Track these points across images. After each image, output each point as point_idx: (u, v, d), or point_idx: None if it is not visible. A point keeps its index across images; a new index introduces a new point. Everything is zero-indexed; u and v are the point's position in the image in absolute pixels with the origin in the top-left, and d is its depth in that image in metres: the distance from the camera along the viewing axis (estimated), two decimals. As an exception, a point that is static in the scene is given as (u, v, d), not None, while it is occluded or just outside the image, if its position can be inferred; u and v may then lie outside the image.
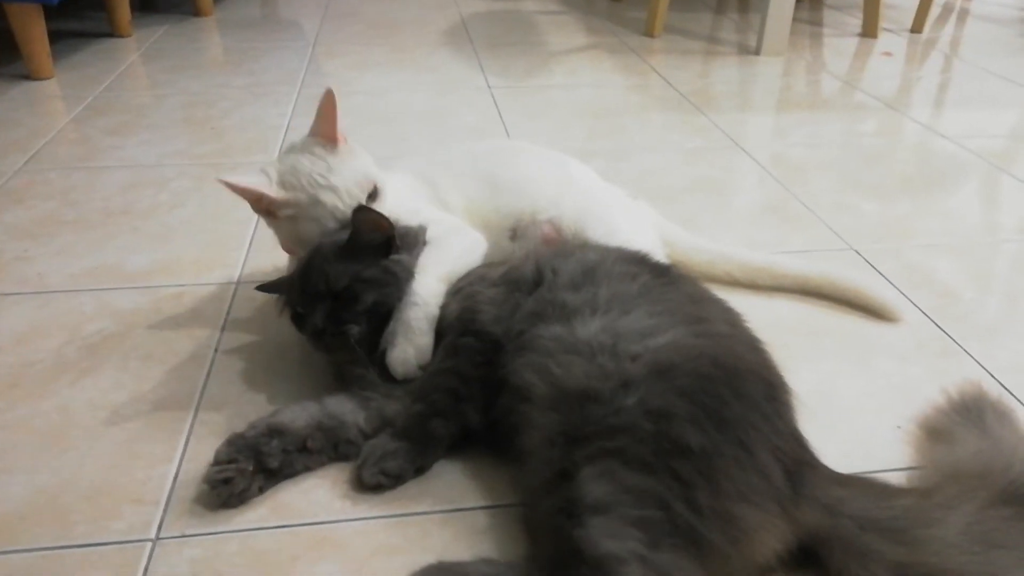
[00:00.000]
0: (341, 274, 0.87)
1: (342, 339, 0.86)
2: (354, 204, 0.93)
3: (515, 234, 1.07)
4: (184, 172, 1.53)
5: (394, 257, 0.90)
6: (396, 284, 0.88)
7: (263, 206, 0.96)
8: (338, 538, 0.74)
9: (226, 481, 0.76)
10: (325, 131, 0.97)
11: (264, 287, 0.98)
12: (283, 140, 1.66)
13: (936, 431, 0.85)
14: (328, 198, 0.94)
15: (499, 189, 1.08)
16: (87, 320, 1.07)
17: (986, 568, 0.63)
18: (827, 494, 0.69)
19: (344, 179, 0.95)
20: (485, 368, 0.82)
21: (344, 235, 0.90)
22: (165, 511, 0.77)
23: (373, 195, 0.97)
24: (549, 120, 1.84)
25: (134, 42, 2.42)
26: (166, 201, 1.42)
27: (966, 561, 0.63)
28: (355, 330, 0.86)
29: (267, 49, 2.36)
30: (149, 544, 0.73)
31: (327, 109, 0.96)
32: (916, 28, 2.66)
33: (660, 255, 1.04)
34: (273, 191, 0.94)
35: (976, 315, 1.11)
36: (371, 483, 0.78)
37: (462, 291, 0.91)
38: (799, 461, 0.70)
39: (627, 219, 1.10)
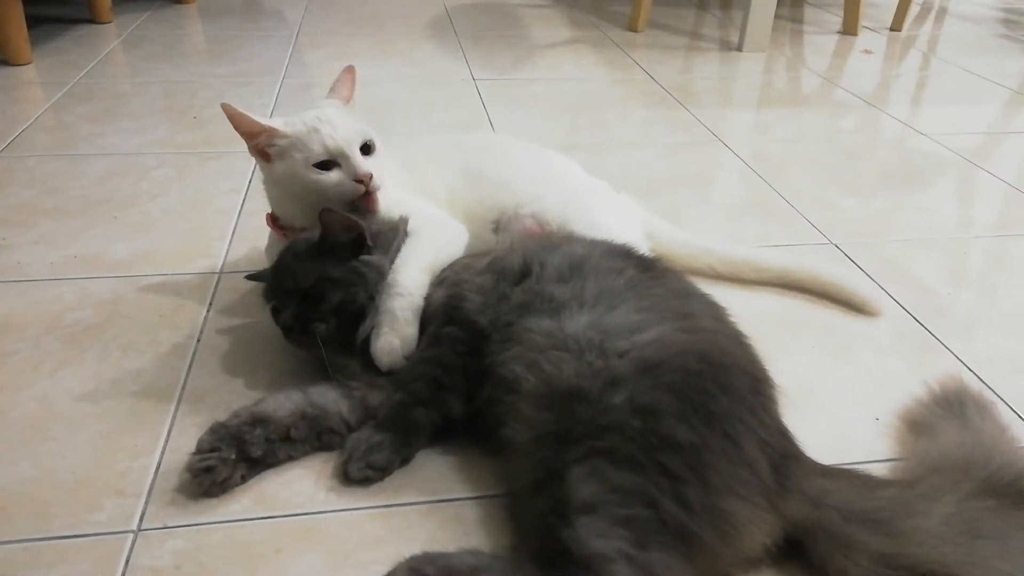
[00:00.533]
0: (309, 273, 0.88)
1: (311, 336, 0.87)
2: (351, 138, 0.96)
3: (498, 227, 1.07)
4: (165, 161, 1.52)
5: (364, 257, 0.90)
6: (364, 284, 0.88)
7: (260, 142, 0.98)
8: (322, 529, 0.74)
9: (208, 470, 0.76)
10: (340, 92, 1.05)
11: (253, 276, 0.99)
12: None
13: (918, 424, 0.87)
14: (325, 128, 0.96)
15: (483, 181, 1.08)
16: (67, 309, 1.06)
17: (968, 558, 0.64)
18: (812, 486, 0.70)
19: (344, 122, 0.98)
20: (468, 358, 0.82)
21: (316, 234, 0.90)
22: (147, 502, 0.77)
23: (367, 148, 0.99)
24: (533, 113, 1.84)
25: (114, 28, 2.38)
26: (147, 190, 1.40)
27: (949, 551, 0.64)
28: (321, 328, 0.87)
29: (250, 38, 2.33)
30: (131, 536, 0.73)
31: (345, 76, 1.06)
32: (896, 26, 2.69)
33: (643, 248, 1.04)
34: (278, 124, 0.97)
35: (953, 309, 1.13)
36: (358, 477, 0.78)
37: (447, 279, 0.91)
38: (784, 454, 0.71)
39: (610, 213, 1.10)
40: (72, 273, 1.14)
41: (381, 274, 0.89)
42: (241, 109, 0.96)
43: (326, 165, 0.96)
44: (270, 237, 1.07)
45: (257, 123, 0.96)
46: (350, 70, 1.06)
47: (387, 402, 0.83)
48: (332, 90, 1.07)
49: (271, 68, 2.08)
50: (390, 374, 0.86)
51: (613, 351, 0.73)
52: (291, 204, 1.00)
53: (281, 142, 0.97)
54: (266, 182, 1.03)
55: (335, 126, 0.96)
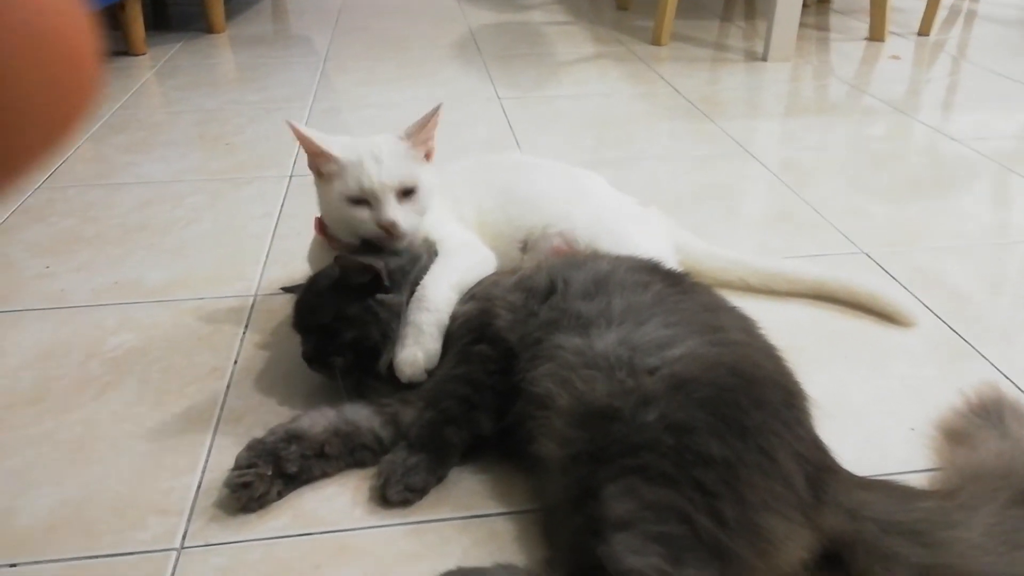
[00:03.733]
0: (327, 308, 0.91)
1: (330, 368, 0.90)
2: (387, 182, 0.95)
3: (526, 246, 1.08)
4: (199, 188, 1.56)
5: (380, 296, 0.91)
6: (377, 323, 0.90)
7: (318, 161, 0.99)
8: (359, 545, 0.76)
9: (246, 485, 0.78)
10: (414, 133, 1.00)
11: (288, 288, 1.02)
12: (296, 155, 1.68)
13: (955, 433, 0.86)
14: (368, 165, 0.95)
15: (512, 201, 1.10)
16: (109, 334, 1.09)
17: (1011, 568, 0.63)
18: (849, 498, 0.69)
19: (389, 163, 0.96)
20: (498, 376, 0.83)
21: (336, 272, 0.92)
22: (189, 521, 0.78)
23: (409, 192, 0.97)
24: (559, 130, 1.86)
25: (148, 60, 2.45)
26: (182, 216, 1.44)
27: (990, 562, 0.63)
28: (339, 361, 0.90)
29: (279, 65, 2.39)
30: (175, 553, 0.75)
31: (428, 118, 1.00)
32: (923, 31, 2.66)
33: (672, 262, 1.05)
34: (335, 148, 0.97)
35: (988, 317, 1.11)
36: (398, 500, 0.79)
37: (477, 295, 0.92)
38: (820, 466, 0.70)
39: (639, 229, 1.11)
40: (113, 299, 1.18)
41: (395, 314, 0.91)
42: (303, 129, 0.97)
43: (359, 200, 0.96)
44: (313, 243, 1.08)
45: (316, 144, 0.97)
46: (435, 111, 1.01)
47: (418, 421, 0.84)
48: (415, 127, 1.01)
49: (300, 94, 2.12)
50: (412, 387, 0.87)
51: (643, 368, 0.73)
52: (336, 221, 1.02)
53: (332, 167, 0.98)
54: (319, 194, 1.04)
55: (379, 165, 0.96)
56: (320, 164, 0.99)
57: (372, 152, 0.96)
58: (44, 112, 0.30)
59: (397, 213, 0.95)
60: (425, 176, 0.99)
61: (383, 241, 0.97)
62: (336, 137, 1.00)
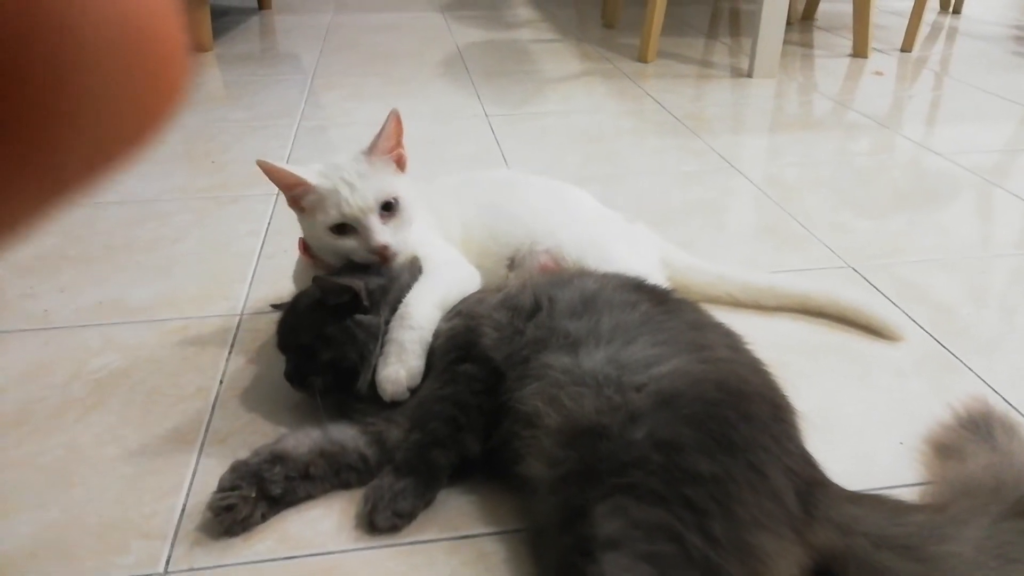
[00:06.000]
0: (307, 329, 0.91)
1: (309, 388, 0.90)
2: (364, 204, 0.93)
3: (513, 263, 1.08)
4: (185, 206, 1.55)
5: (358, 317, 0.91)
6: (354, 344, 0.89)
7: (297, 194, 0.97)
8: (346, 568, 0.75)
9: (229, 508, 0.77)
10: (377, 143, 0.98)
11: (277, 305, 1.01)
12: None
13: (945, 447, 0.86)
14: (343, 190, 0.93)
15: (498, 218, 1.09)
16: (92, 355, 1.08)
17: None
18: (840, 513, 0.69)
19: (361, 183, 0.94)
20: (484, 396, 0.83)
21: (317, 292, 0.92)
22: (173, 545, 0.77)
23: (390, 206, 0.96)
24: (546, 146, 1.86)
25: (134, 79, 2.44)
26: (168, 235, 1.43)
27: None
28: (318, 381, 0.90)
29: (266, 82, 2.39)
30: (158, 578, 0.74)
31: (385, 126, 0.98)
32: (906, 47, 2.69)
33: (660, 278, 1.05)
34: (312, 177, 0.95)
35: (974, 330, 1.12)
36: (386, 526, 0.78)
37: (462, 312, 0.92)
38: (810, 481, 0.70)
39: (626, 246, 1.10)
40: (96, 319, 1.16)
41: (372, 335, 0.90)
42: (276, 164, 0.94)
43: (342, 228, 0.95)
44: (298, 263, 1.07)
45: (292, 175, 0.95)
46: (392, 117, 0.98)
47: (404, 443, 0.83)
48: (375, 139, 0.99)
49: (287, 111, 2.12)
50: (395, 405, 0.87)
51: (630, 385, 0.73)
52: (325, 251, 0.99)
53: (312, 197, 0.95)
54: (304, 229, 1.02)
55: (352, 188, 0.93)
56: (299, 197, 0.97)
57: (342, 177, 0.94)
58: (136, 106, 0.30)
59: (385, 235, 0.94)
60: (402, 187, 0.98)
61: (376, 264, 0.96)
62: (307, 167, 0.98)
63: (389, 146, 0.99)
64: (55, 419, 0.95)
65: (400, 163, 1.01)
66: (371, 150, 0.98)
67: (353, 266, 0.96)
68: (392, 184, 0.97)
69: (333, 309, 0.91)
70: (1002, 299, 1.20)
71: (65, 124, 0.27)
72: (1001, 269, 1.29)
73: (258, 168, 0.95)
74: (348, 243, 0.95)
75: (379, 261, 0.95)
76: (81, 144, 0.28)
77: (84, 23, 0.26)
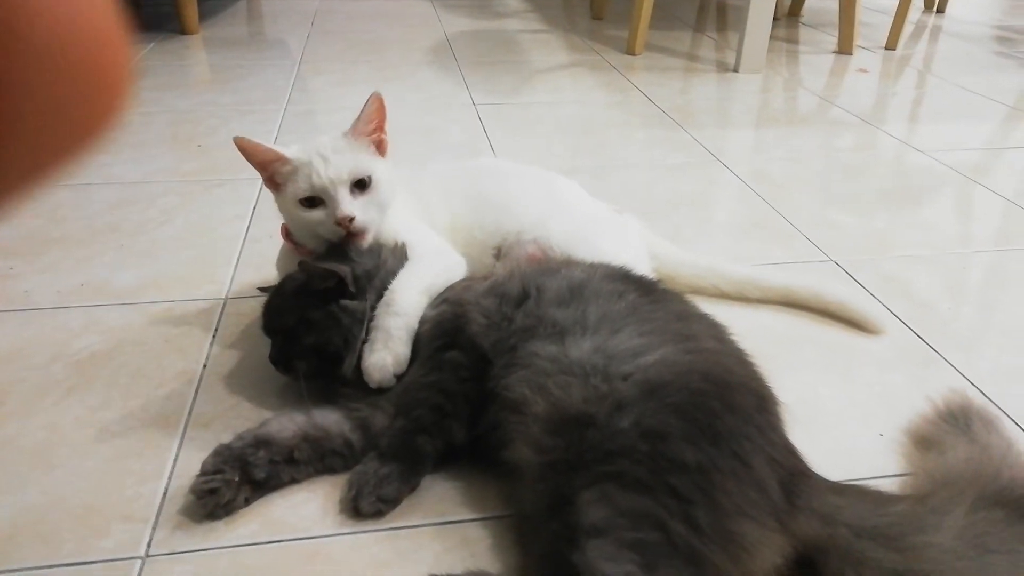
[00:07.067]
0: (292, 312, 0.91)
1: (293, 371, 0.91)
2: (335, 176, 0.94)
3: (500, 252, 1.08)
4: (170, 189, 1.53)
5: (343, 303, 0.90)
6: (338, 329, 0.89)
7: (272, 169, 0.97)
8: (329, 553, 0.75)
9: (212, 491, 0.77)
10: (356, 125, 0.99)
11: (263, 288, 1.01)
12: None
13: (925, 439, 0.87)
14: (316, 162, 0.94)
15: (485, 207, 1.09)
16: (74, 337, 1.07)
17: (982, 573, 0.64)
18: (822, 503, 0.70)
19: (336, 157, 0.95)
20: (470, 383, 0.83)
21: (303, 277, 0.92)
22: (155, 528, 0.77)
23: (362, 184, 0.96)
24: (533, 136, 1.86)
25: (118, 60, 2.41)
26: (153, 218, 1.42)
27: (961, 567, 0.64)
28: (302, 366, 0.90)
29: (253, 67, 2.36)
30: (139, 562, 0.73)
31: (366, 108, 0.99)
32: (890, 45, 2.71)
33: (647, 270, 1.05)
34: (287, 151, 0.96)
35: (954, 325, 1.13)
36: (370, 512, 0.78)
37: (449, 299, 0.92)
38: (793, 471, 0.71)
39: (613, 236, 1.11)
40: (79, 301, 1.15)
41: (357, 320, 0.90)
42: (252, 140, 0.95)
43: (312, 202, 0.95)
44: (281, 249, 1.07)
45: (271, 150, 0.96)
46: (373, 100, 0.99)
47: (390, 429, 0.83)
48: (356, 120, 1.00)
49: (275, 96, 2.10)
50: (381, 391, 0.87)
51: (617, 374, 0.74)
52: (297, 228, 1.01)
53: (286, 169, 0.97)
54: (278, 206, 1.03)
55: (326, 161, 0.94)
56: (274, 172, 0.98)
57: (318, 151, 0.95)
58: (74, 114, 0.30)
59: (353, 207, 0.94)
60: (379, 168, 0.98)
61: (345, 241, 0.96)
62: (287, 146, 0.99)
63: (369, 128, 1.00)
64: (36, 401, 0.94)
65: (380, 147, 1.01)
66: (351, 131, 0.99)
67: (339, 251, 0.96)
68: (367, 163, 0.97)
69: (319, 294, 0.90)
70: (982, 295, 1.22)
71: (6, 127, 0.26)
72: (981, 265, 1.31)
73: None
74: (316, 215, 0.95)
75: (345, 236, 0.95)
76: (21, 148, 0.28)
77: (30, 28, 0.25)
